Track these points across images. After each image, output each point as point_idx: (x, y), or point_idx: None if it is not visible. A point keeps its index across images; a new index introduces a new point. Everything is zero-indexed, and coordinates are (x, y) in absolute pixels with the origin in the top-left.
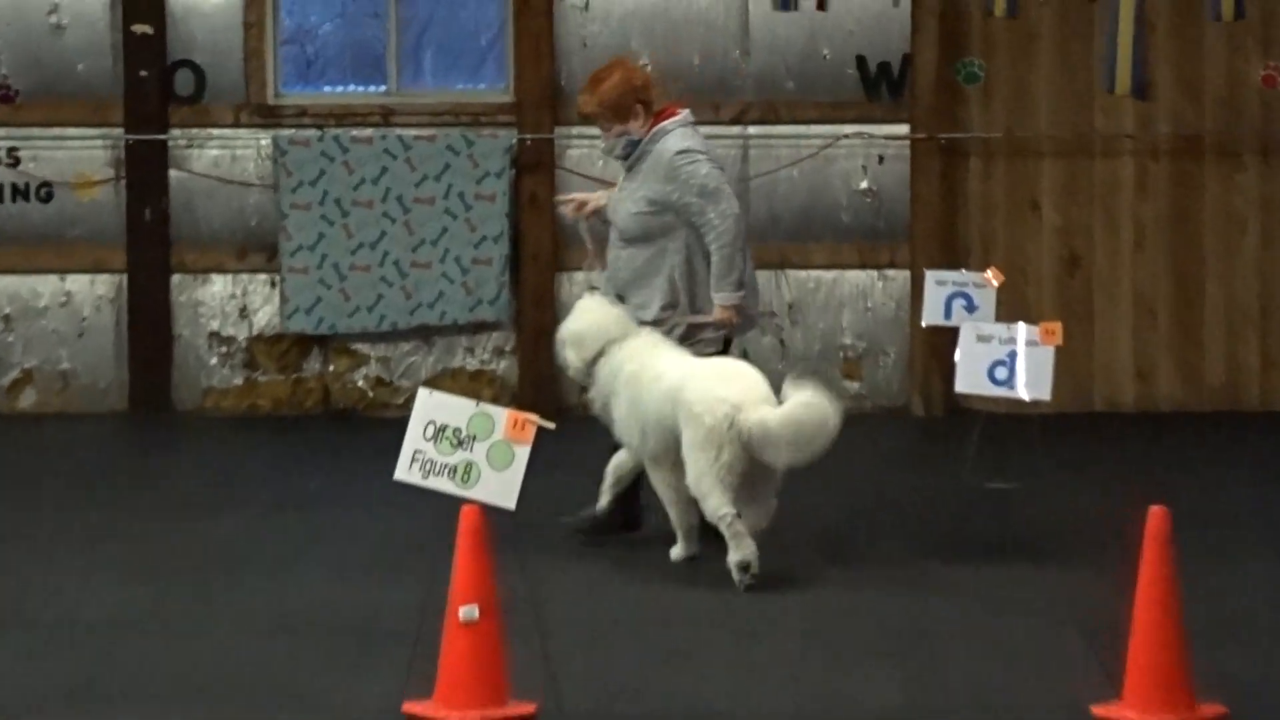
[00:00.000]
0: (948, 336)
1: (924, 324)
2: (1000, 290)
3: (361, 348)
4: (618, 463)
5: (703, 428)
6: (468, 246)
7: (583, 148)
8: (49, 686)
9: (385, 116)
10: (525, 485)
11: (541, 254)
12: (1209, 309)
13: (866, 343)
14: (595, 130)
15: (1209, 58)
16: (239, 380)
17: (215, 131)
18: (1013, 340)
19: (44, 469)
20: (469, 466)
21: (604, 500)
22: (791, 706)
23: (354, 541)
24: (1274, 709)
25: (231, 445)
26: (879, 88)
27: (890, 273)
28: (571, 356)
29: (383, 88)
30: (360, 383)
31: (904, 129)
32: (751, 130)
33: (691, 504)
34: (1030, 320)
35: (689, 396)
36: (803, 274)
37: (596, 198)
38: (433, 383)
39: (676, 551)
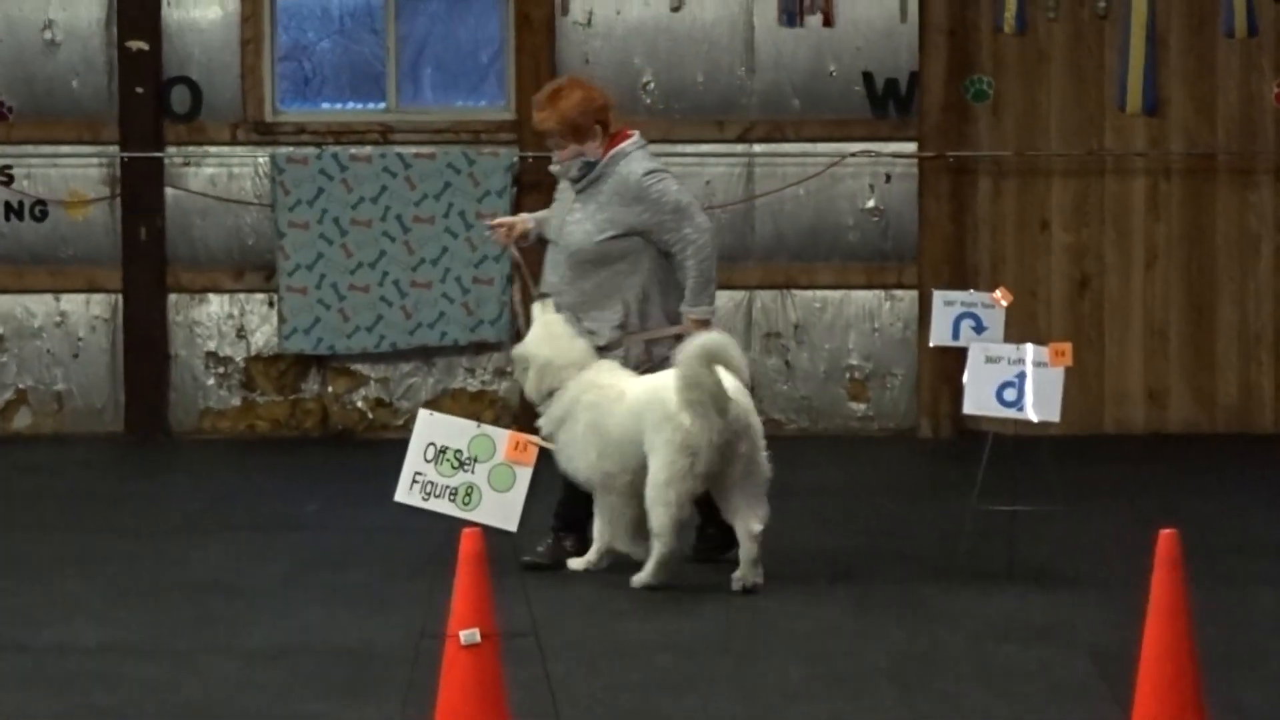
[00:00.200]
0: (956, 357)
1: (932, 344)
2: (1009, 311)
3: (361, 368)
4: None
5: (684, 431)
6: (468, 266)
7: None
8: (43, 712)
9: (384, 134)
10: (526, 507)
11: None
12: (1221, 330)
13: (873, 364)
14: None
15: (1222, 75)
16: (236, 401)
17: (212, 149)
18: (1022, 361)
19: (38, 491)
20: (470, 489)
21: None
22: None
23: (352, 564)
24: None
25: (229, 467)
26: (886, 105)
27: (898, 293)
28: (533, 381)
29: (382, 105)
30: (359, 404)
31: (912, 147)
32: (757, 148)
33: (635, 527)
34: (1040, 341)
35: (669, 401)
36: (809, 294)
37: (523, 220)
38: (433, 404)
39: (578, 563)
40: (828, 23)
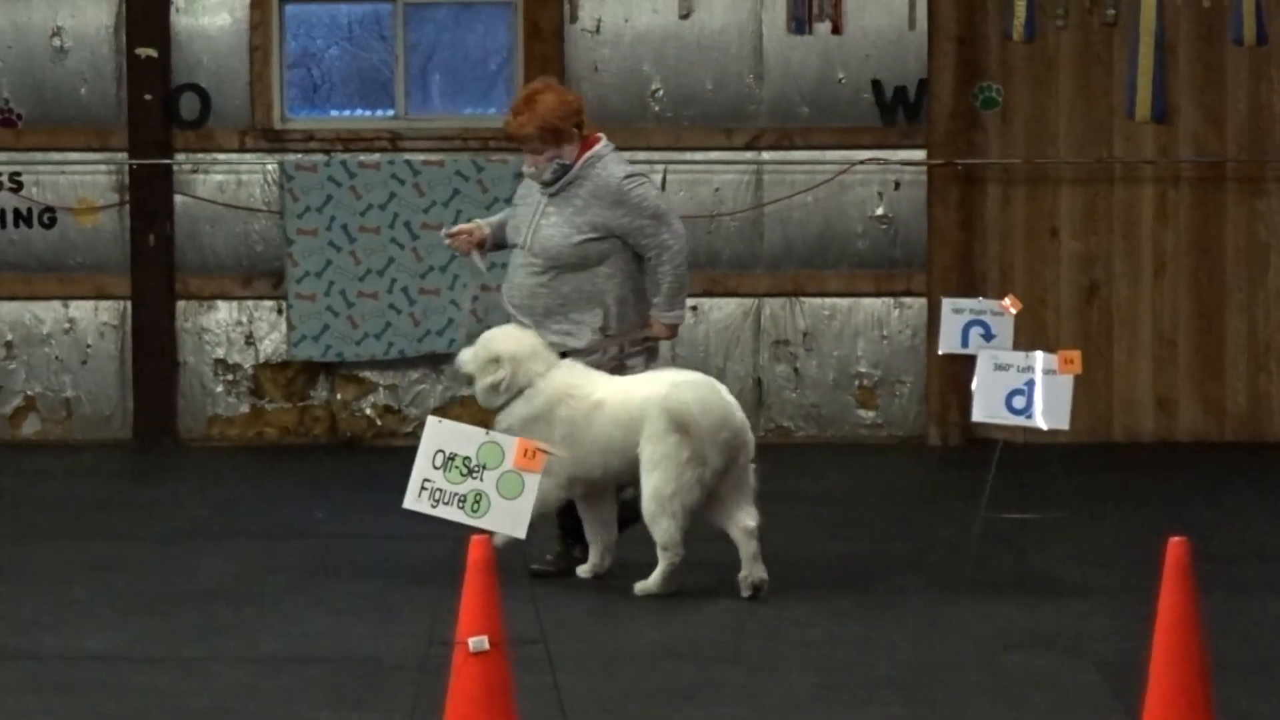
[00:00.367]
0: (965, 365)
1: (941, 352)
2: (1018, 318)
3: (369, 375)
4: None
5: (688, 441)
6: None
7: None
8: (51, 718)
9: (393, 141)
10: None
11: None
12: (1230, 338)
13: (882, 371)
14: None
15: (1231, 84)
16: (245, 408)
17: (220, 156)
18: (1031, 369)
19: (46, 498)
20: (479, 496)
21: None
22: None
23: (361, 571)
24: None
25: (237, 474)
26: (895, 113)
27: (906, 300)
28: (506, 379)
29: (390, 112)
30: (368, 411)
31: (920, 155)
32: (765, 156)
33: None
34: (1049, 349)
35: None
36: (817, 302)
37: (479, 227)
38: (441, 411)
39: (586, 569)
40: (836, 30)
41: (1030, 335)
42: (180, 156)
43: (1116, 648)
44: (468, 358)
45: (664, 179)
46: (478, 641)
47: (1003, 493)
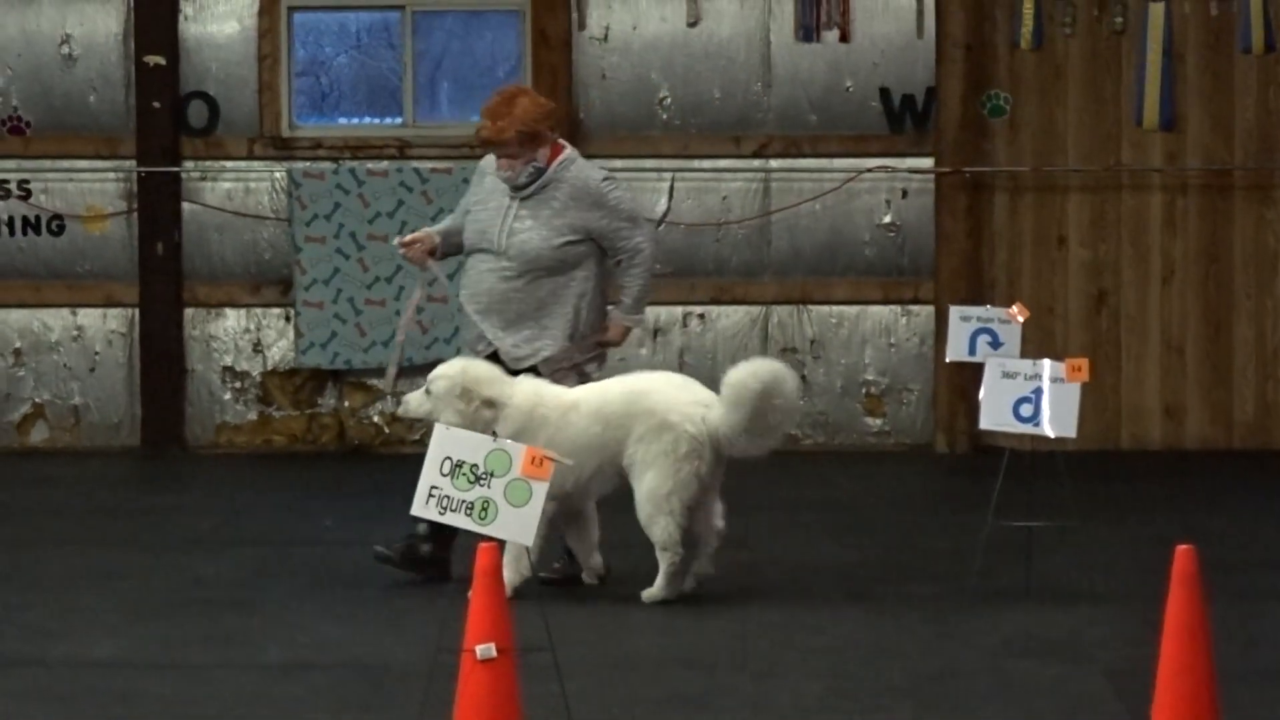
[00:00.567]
0: (972, 373)
1: (948, 360)
2: (1026, 326)
3: (377, 383)
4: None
5: (686, 437)
6: None
7: None
8: None
9: (401, 149)
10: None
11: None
12: (1239, 346)
13: (890, 379)
14: (617, 164)
15: (1239, 91)
16: (253, 416)
17: (229, 164)
18: (1038, 377)
19: (54, 505)
20: (486, 503)
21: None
22: None
23: (368, 579)
24: None
25: (245, 481)
26: (903, 121)
27: (914, 308)
28: (463, 416)
29: (399, 120)
30: (375, 418)
31: (928, 162)
32: (773, 164)
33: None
34: (1056, 356)
35: (659, 409)
36: (825, 309)
37: (430, 235)
38: None
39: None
40: (844, 38)
41: (1038, 343)
42: (189, 164)
43: (1124, 655)
44: (415, 402)
45: (672, 187)
46: (485, 649)
47: (1010, 500)
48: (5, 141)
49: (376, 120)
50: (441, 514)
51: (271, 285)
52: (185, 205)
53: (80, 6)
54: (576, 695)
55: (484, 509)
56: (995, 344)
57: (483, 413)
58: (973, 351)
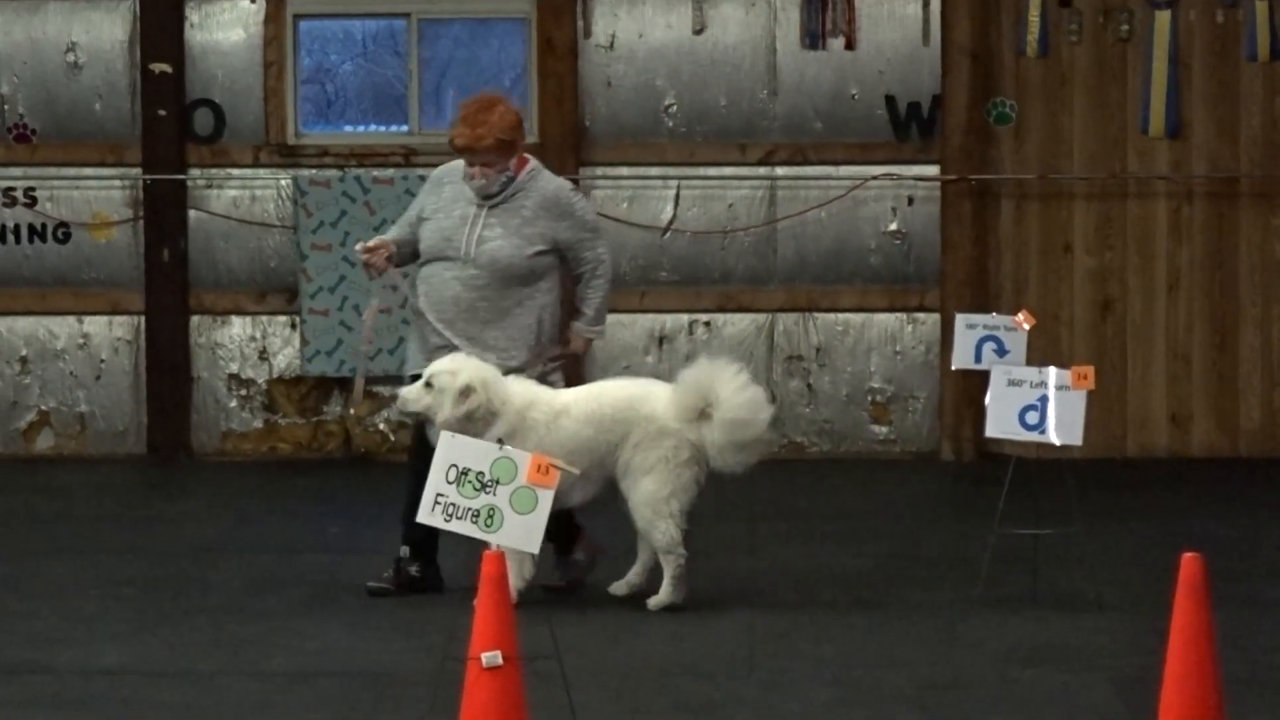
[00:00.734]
0: (978, 380)
1: (954, 368)
2: (1032, 334)
3: (383, 390)
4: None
5: (687, 444)
6: None
7: (607, 188)
8: None
9: (407, 157)
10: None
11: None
12: (1244, 353)
13: (895, 387)
14: (623, 171)
15: (1245, 99)
16: (258, 423)
17: (234, 172)
18: (1044, 384)
19: (60, 513)
20: (492, 511)
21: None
22: None
23: None
24: None
25: (250, 489)
26: (909, 128)
27: (920, 316)
28: (463, 410)
29: (404, 128)
30: (381, 426)
31: (934, 170)
32: (779, 171)
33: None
34: (1062, 364)
35: (659, 415)
36: (831, 317)
37: (388, 243)
38: None
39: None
40: (850, 46)
41: (1044, 351)
42: (194, 172)
43: (1130, 663)
44: (414, 396)
45: (678, 194)
46: (491, 657)
47: (1016, 508)
48: (11, 149)
49: (382, 128)
50: (447, 521)
51: (277, 293)
52: (191, 213)
53: (86, 14)
54: (582, 703)
55: (490, 517)
56: (1001, 351)
57: (482, 410)
58: (979, 359)
